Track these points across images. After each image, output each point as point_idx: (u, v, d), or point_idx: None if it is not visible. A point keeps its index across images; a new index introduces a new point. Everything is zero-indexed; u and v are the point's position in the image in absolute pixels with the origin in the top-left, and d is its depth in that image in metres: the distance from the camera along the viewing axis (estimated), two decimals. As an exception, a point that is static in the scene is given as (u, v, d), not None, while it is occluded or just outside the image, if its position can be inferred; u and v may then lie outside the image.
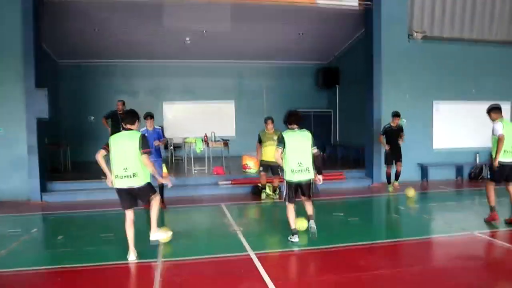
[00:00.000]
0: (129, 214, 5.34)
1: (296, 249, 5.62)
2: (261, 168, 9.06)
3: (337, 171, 11.17)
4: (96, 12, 11.12)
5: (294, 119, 5.95)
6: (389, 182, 9.98)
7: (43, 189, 9.60)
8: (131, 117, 5.45)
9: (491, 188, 6.72)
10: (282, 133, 5.88)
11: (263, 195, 9.19)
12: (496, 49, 12.14)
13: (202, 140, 10.80)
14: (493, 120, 6.74)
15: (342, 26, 12.67)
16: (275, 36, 13.28)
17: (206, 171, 11.06)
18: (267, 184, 9.45)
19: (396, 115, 9.69)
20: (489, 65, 12.04)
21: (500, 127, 6.59)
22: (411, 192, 9.01)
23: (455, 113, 11.80)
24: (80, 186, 10.00)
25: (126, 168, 5.12)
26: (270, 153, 8.61)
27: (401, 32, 11.42)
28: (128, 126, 5.38)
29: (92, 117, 14.39)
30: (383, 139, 9.82)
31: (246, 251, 5.52)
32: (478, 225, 6.67)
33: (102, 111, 10.45)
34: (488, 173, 7.61)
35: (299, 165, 5.69)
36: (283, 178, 5.97)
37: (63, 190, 9.93)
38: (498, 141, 6.55)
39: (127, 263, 5.14)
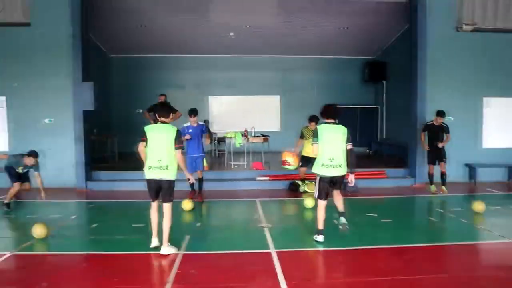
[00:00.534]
0: (155, 204, 5.48)
1: (318, 249, 5.51)
2: (300, 163, 8.93)
3: (378, 169, 10.81)
4: (143, 9, 11.48)
5: (330, 113, 5.75)
6: (431, 182, 9.47)
7: (89, 177, 10.09)
8: (165, 110, 5.54)
9: None
10: (317, 127, 5.77)
11: (302, 188, 9.17)
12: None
13: (242, 135, 10.84)
14: None
15: (389, 19, 12.23)
16: (318, 30, 13.07)
17: (245, 166, 11.09)
18: (306, 181, 9.38)
19: (439, 114, 9.16)
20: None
21: None
22: (479, 207, 7.38)
23: (509, 110, 11.02)
24: (123, 176, 10.38)
25: (160, 160, 5.24)
26: (310, 149, 8.56)
27: (448, 24, 10.82)
28: (162, 119, 5.47)
29: (140, 110, 14.84)
30: (424, 136, 9.37)
31: (268, 248, 5.50)
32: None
33: (150, 104, 10.76)
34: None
35: (331, 160, 5.49)
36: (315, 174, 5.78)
37: (107, 179, 10.39)
38: None
39: (149, 253, 5.28)
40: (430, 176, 9.48)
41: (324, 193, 5.65)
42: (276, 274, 4.58)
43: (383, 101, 14.90)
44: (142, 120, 14.41)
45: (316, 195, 5.75)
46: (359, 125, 15.33)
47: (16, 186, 7.69)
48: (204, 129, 8.44)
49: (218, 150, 14.29)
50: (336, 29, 12.98)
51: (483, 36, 11.07)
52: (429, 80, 10.64)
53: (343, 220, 5.75)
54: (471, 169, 10.86)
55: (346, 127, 5.69)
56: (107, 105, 14.72)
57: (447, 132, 9.27)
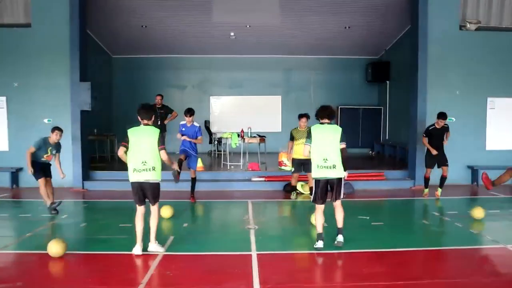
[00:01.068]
0: (140, 209, 5.41)
1: (301, 252, 5.41)
2: (293, 169, 8.77)
3: (377, 171, 10.63)
4: (143, 9, 11.53)
5: (325, 113, 5.56)
6: (426, 185, 9.05)
7: (86, 177, 10.12)
8: (146, 112, 5.49)
9: None
10: (311, 127, 5.64)
11: (293, 196, 8.96)
12: None
13: (238, 135, 10.77)
14: None
15: (391, 18, 12.06)
16: (320, 30, 12.94)
17: (241, 167, 11.02)
18: (301, 183, 9.28)
19: (441, 116, 8.58)
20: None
21: None
22: (478, 213, 6.97)
23: (513, 111, 10.77)
24: (121, 176, 10.22)
25: (145, 162, 5.22)
26: (301, 150, 8.41)
27: (451, 22, 10.59)
28: (145, 121, 5.45)
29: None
30: (426, 141, 8.78)
31: (250, 250, 5.41)
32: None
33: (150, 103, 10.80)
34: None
35: (325, 161, 5.32)
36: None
37: (105, 178, 10.42)
38: None
39: (130, 253, 5.22)
40: (426, 179, 9.03)
41: (320, 198, 5.48)
42: (251, 277, 4.48)
43: (387, 102, 14.67)
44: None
45: (312, 199, 5.62)
46: (362, 126, 15.14)
47: (41, 182, 7.36)
48: (198, 131, 8.42)
49: (219, 151, 14.26)
50: (338, 28, 12.83)
51: (488, 35, 10.84)
52: (431, 80, 10.45)
53: (340, 238, 5.49)
54: (474, 171, 10.62)
55: (339, 127, 5.52)
56: (110, 105, 14.80)
57: (448, 130, 8.79)
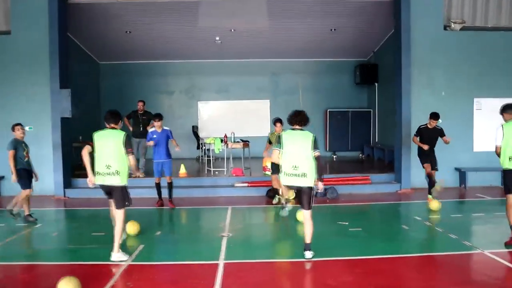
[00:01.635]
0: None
1: (270, 260, 5.25)
2: (271, 171, 8.66)
3: (362, 175, 10.48)
4: (126, 14, 11.40)
5: (297, 119, 5.34)
6: (433, 183, 8.33)
7: (67, 185, 9.98)
8: (113, 117, 5.49)
9: (510, 202, 5.74)
10: (281, 133, 5.46)
11: (275, 200, 8.82)
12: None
13: (221, 141, 10.64)
14: (506, 121, 5.88)
15: (377, 20, 11.88)
16: (306, 33, 12.79)
17: (225, 172, 10.88)
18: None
19: (433, 116, 8.35)
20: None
21: (498, 134, 5.76)
22: (434, 205, 7.77)
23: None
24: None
25: (109, 166, 5.21)
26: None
27: (436, 22, 10.46)
28: (112, 125, 5.45)
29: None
30: (417, 140, 8.48)
31: (218, 259, 5.26)
32: (495, 243, 5.77)
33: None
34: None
35: (294, 169, 5.13)
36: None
37: (87, 186, 10.23)
38: (495, 151, 5.83)
39: (94, 263, 5.15)
40: (429, 176, 8.35)
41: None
42: (213, 287, 4.36)
43: (375, 104, 14.52)
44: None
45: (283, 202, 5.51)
46: (351, 129, 14.96)
47: (27, 193, 7.12)
48: (170, 134, 8.35)
49: (207, 156, 14.12)
50: (323, 31, 12.69)
51: (474, 34, 10.72)
52: (416, 81, 10.34)
53: (308, 255, 5.18)
54: (461, 173, 10.46)
55: (313, 133, 5.28)
56: (97, 112, 14.68)
57: (444, 135, 8.45)
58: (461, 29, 10.64)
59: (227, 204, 8.75)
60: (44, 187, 9.89)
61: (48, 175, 9.95)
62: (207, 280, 4.58)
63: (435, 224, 6.98)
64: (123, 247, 5.48)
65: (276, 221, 7.68)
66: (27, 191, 7.15)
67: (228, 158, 11.20)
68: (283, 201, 5.33)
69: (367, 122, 14.90)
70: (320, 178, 5.22)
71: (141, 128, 10.35)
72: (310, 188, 5.19)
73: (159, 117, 8.25)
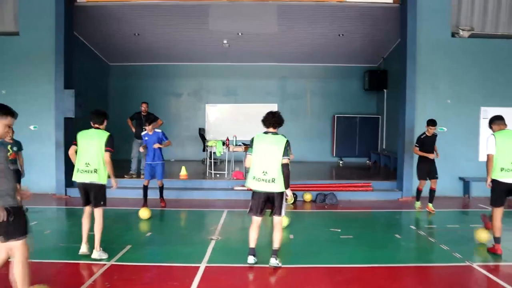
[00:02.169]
0: (87, 209, 5.53)
1: (252, 265, 5.19)
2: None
3: (364, 181, 10.33)
4: (133, 17, 11.53)
5: (271, 121, 5.16)
6: (418, 198, 8.69)
7: (69, 184, 10.09)
8: (98, 117, 5.59)
9: (497, 214, 5.63)
10: (254, 136, 5.27)
11: None
12: None
13: (223, 144, 10.63)
14: (493, 133, 5.73)
15: (386, 26, 11.72)
16: (314, 38, 12.73)
17: (226, 175, 10.86)
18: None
19: (430, 123, 8.25)
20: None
21: (490, 143, 5.60)
22: (483, 236, 6.17)
23: (508, 121, 10.27)
24: (108, 183, 10.35)
25: (88, 163, 5.30)
26: None
27: (443, 29, 10.26)
28: (96, 125, 5.54)
29: None
30: (418, 151, 8.33)
31: (200, 262, 5.25)
32: (487, 256, 5.66)
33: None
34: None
35: (264, 174, 4.97)
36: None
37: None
38: (487, 161, 5.63)
39: (77, 262, 5.22)
40: (419, 192, 8.62)
41: (256, 209, 5.12)
42: (188, 290, 4.36)
43: (384, 111, 14.33)
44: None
45: (248, 210, 5.25)
46: (359, 135, 14.81)
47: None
48: (162, 136, 8.39)
49: (215, 159, 14.14)
50: (332, 36, 12.60)
51: (482, 42, 10.49)
52: (422, 89, 10.16)
53: (273, 262, 5.03)
54: (466, 183, 10.23)
55: (286, 138, 5.12)
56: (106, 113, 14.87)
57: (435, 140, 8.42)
58: (469, 36, 10.44)
59: (224, 207, 8.74)
60: (47, 185, 10.10)
61: (51, 174, 10.14)
62: (184, 282, 4.57)
63: (429, 234, 6.82)
64: (111, 246, 5.55)
65: (268, 226, 7.61)
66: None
67: (229, 161, 11.19)
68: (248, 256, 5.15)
69: (375, 128, 14.73)
70: (288, 185, 5.05)
71: (144, 130, 10.40)
72: (282, 194, 5.07)
73: (148, 121, 8.43)
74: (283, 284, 4.78)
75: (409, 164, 9.77)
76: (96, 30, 12.17)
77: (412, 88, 9.89)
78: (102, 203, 5.43)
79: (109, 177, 5.53)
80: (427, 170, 8.30)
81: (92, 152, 5.31)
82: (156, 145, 8.23)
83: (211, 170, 11.06)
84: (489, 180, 5.67)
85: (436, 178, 8.34)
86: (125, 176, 10.55)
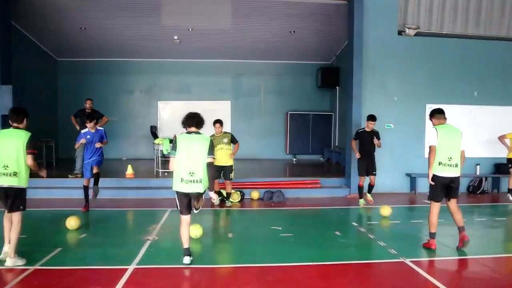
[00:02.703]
0: (6, 215, 5.19)
1: (182, 266, 5.04)
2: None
3: (313, 178, 10.35)
4: (78, 10, 11.14)
5: (193, 121, 5.17)
6: (360, 195, 8.83)
7: (10, 185, 9.62)
8: (17, 115, 5.23)
9: (434, 209, 5.74)
10: (177, 136, 5.22)
11: (228, 203, 8.72)
12: (505, 47, 10.81)
13: (170, 141, 10.41)
14: (434, 126, 5.82)
15: (337, 23, 11.80)
16: (265, 34, 12.70)
17: (174, 174, 10.62)
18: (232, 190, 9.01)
19: (370, 118, 8.54)
20: (496, 65, 10.74)
21: (434, 136, 5.67)
22: (385, 211, 7.71)
23: (453, 118, 10.49)
24: (45, 183, 9.91)
25: (7, 166, 4.94)
26: (220, 155, 8.30)
27: (390, 27, 10.39)
28: (15, 124, 5.19)
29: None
30: (355, 144, 8.75)
31: (130, 264, 5.05)
32: (423, 251, 5.74)
33: (97, 108, 10.37)
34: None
35: (191, 175, 4.93)
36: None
37: (33, 187, 9.86)
38: (429, 152, 5.68)
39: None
40: (360, 188, 8.78)
41: (184, 209, 5.09)
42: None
43: (336, 108, 14.46)
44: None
45: (178, 210, 5.18)
46: (312, 132, 14.89)
47: None
48: (104, 135, 8.11)
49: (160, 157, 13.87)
50: (283, 33, 12.59)
51: (428, 40, 10.70)
52: (369, 86, 10.28)
53: (186, 260, 5.00)
54: (412, 179, 10.43)
55: (208, 137, 5.14)
56: (53, 110, 14.32)
57: (378, 138, 8.62)
58: (415, 35, 10.63)
59: (168, 206, 8.46)
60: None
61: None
62: (108, 286, 4.38)
63: (369, 230, 6.86)
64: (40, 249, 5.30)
65: (209, 225, 7.52)
66: None
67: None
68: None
69: (328, 125, 14.85)
70: (212, 186, 5.13)
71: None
72: (201, 194, 5.08)
73: (89, 118, 8.10)
74: (209, 285, 4.66)
75: (355, 161, 9.83)
76: (40, 23, 11.69)
77: (359, 85, 9.99)
78: (21, 207, 5.10)
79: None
80: (366, 166, 8.53)
81: (10, 153, 4.96)
82: (98, 144, 7.93)
83: (159, 169, 10.81)
84: (430, 175, 5.72)
85: (374, 174, 8.60)
86: (69, 175, 10.18)
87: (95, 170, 7.97)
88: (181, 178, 4.98)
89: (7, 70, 9.66)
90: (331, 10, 11.25)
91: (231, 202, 8.88)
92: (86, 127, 10.04)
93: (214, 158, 5.14)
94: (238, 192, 9.19)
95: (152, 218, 7.72)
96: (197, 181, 4.94)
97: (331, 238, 6.47)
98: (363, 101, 10.13)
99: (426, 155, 10.38)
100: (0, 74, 9.42)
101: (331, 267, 5.14)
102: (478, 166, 10.68)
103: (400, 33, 10.61)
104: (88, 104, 10.27)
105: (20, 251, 5.10)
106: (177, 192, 5.08)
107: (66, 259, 5.30)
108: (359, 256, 5.61)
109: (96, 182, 8.01)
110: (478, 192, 10.45)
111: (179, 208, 5.14)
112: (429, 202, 5.92)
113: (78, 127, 10.32)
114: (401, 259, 5.34)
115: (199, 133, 5.16)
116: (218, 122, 8.47)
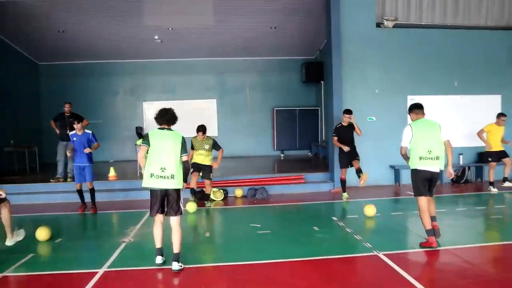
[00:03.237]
0: None
1: (151, 267, 4.99)
2: (191, 170, 8.41)
3: (297, 174, 10.31)
4: (56, 13, 11.03)
5: (164, 118, 5.05)
6: (343, 189, 8.85)
7: (-9, 191, 9.55)
8: None
9: (421, 203, 5.60)
10: (149, 132, 5.12)
11: (208, 202, 8.66)
12: (484, 36, 10.78)
13: (140, 136, 10.36)
14: (413, 121, 5.80)
15: (319, 18, 11.72)
16: (247, 31, 12.63)
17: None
18: (214, 189, 8.98)
19: (345, 112, 8.60)
20: (476, 54, 10.73)
21: (407, 134, 5.68)
22: (370, 211, 7.19)
23: (435, 109, 10.47)
24: (32, 188, 9.89)
25: None
26: (197, 159, 8.32)
27: (368, 19, 10.37)
28: None
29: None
30: (336, 141, 8.66)
31: (101, 266, 5.00)
32: (399, 244, 5.72)
33: (82, 112, 10.29)
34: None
35: (163, 170, 4.84)
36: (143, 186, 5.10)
37: (14, 192, 9.79)
38: (400, 151, 5.67)
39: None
40: (343, 182, 8.80)
41: (157, 209, 4.99)
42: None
43: (322, 102, 14.43)
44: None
45: (149, 212, 5.10)
46: (299, 127, 14.86)
47: None
48: (92, 138, 8.02)
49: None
50: (265, 29, 12.53)
51: (407, 32, 10.67)
52: (350, 79, 10.26)
53: (175, 266, 4.82)
54: (396, 171, 10.42)
55: (180, 134, 5.03)
56: (36, 115, 14.20)
57: (353, 127, 8.60)
58: (394, 26, 10.60)
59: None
60: None
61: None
62: (76, 290, 4.35)
63: (348, 225, 6.82)
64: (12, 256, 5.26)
65: (188, 225, 7.46)
66: None
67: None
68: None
69: (314, 120, 14.82)
70: (185, 181, 5.04)
71: (68, 130, 9.98)
72: (178, 191, 4.94)
73: (77, 119, 8.03)
74: (177, 285, 4.62)
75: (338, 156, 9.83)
76: (18, 27, 11.57)
77: (338, 79, 9.96)
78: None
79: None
80: (348, 158, 8.54)
81: None
82: (87, 150, 7.87)
83: (141, 170, 10.72)
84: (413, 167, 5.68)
85: (357, 159, 8.56)
86: (51, 180, 10.11)
87: (89, 186, 8.01)
88: (151, 174, 4.90)
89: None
90: (312, 5, 11.20)
91: (212, 200, 8.84)
92: (66, 131, 10.12)
93: (188, 156, 5.07)
94: (221, 191, 9.16)
95: (132, 219, 7.63)
96: (168, 177, 4.85)
97: (308, 233, 6.41)
98: (344, 95, 10.11)
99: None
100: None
101: (303, 263, 5.09)
102: (461, 156, 10.67)
103: (379, 25, 10.57)
104: (67, 108, 10.20)
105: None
106: (150, 191, 5.00)
107: (36, 265, 5.23)
108: (333, 251, 5.54)
109: (93, 199, 8.10)
110: (461, 182, 10.45)
111: (150, 208, 5.03)
112: (415, 197, 5.80)
113: (58, 131, 10.27)
114: (374, 253, 5.30)
115: (171, 129, 5.07)
116: (201, 130, 8.18)
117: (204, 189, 8.69)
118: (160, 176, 4.87)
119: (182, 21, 11.87)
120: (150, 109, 15.09)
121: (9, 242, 5.33)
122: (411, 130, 5.63)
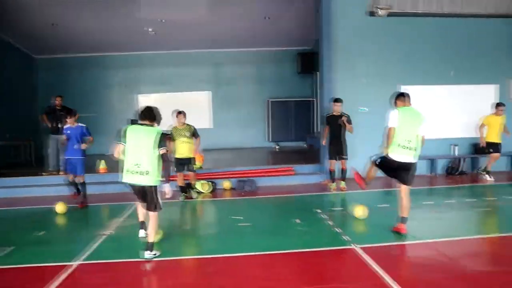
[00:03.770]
0: None
1: (127, 260, 4.99)
2: (175, 169, 8.35)
3: (286, 166, 10.25)
4: (48, 6, 10.98)
5: (146, 115, 5.10)
6: (332, 179, 8.81)
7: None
8: None
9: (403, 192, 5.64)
10: (126, 128, 5.15)
11: (194, 195, 8.63)
12: (481, 24, 10.57)
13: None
14: (396, 107, 5.72)
15: (309, 7, 11.58)
16: (240, 21, 12.49)
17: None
18: (201, 182, 8.97)
19: (335, 101, 8.49)
20: (473, 43, 10.53)
21: (394, 116, 5.54)
22: (359, 212, 6.62)
23: (428, 99, 10.37)
24: (25, 182, 9.94)
25: None
26: (182, 149, 8.26)
27: (361, 8, 10.21)
28: None
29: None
30: (326, 130, 8.64)
31: (76, 259, 5.01)
32: (377, 237, 5.65)
33: (77, 105, 10.29)
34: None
35: (137, 166, 4.85)
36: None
37: (11, 186, 9.88)
38: (388, 133, 5.58)
39: None
40: (331, 173, 8.77)
41: (138, 200, 5.13)
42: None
43: (317, 93, 14.30)
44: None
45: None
46: (294, 119, 14.76)
47: None
48: (85, 131, 8.01)
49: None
50: (259, 19, 12.39)
51: (401, 21, 10.50)
52: (341, 69, 10.15)
53: (146, 255, 4.90)
54: (387, 162, 10.30)
55: (156, 129, 5.02)
56: (33, 108, 14.25)
57: (349, 122, 8.47)
58: (389, 15, 10.42)
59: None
60: None
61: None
62: (38, 284, 4.33)
63: (330, 217, 6.76)
64: None
65: (170, 217, 7.43)
66: None
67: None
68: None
69: (309, 111, 14.71)
70: (166, 178, 5.01)
71: (59, 124, 10.02)
72: (154, 187, 4.93)
73: (69, 113, 8.04)
74: (148, 277, 4.63)
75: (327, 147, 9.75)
76: (13, 22, 11.57)
77: (329, 69, 9.87)
78: None
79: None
80: (336, 150, 8.47)
81: None
82: (83, 146, 7.90)
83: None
84: (385, 152, 5.63)
85: (345, 159, 8.48)
86: (43, 173, 10.16)
87: (80, 180, 8.00)
88: (127, 169, 4.93)
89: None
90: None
91: (199, 192, 8.83)
92: (58, 124, 10.14)
93: (167, 150, 5.02)
94: (209, 183, 9.14)
95: (117, 212, 7.66)
96: (142, 172, 4.85)
97: (289, 226, 6.37)
98: (336, 85, 9.99)
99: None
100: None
101: (277, 256, 5.06)
102: (456, 147, 10.52)
103: (372, 14, 10.41)
104: (57, 101, 10.22)
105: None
106: (131, 185, 5.03)
107: (12, 259, 5.23)
108: (310, 244, 5.48)
109: (83, 194, 8.08)
110: (456, 173, 10.32)
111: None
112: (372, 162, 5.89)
113: (49, 125, 10.28)
114: (351, 246, 5.25)
115: (150, 125, 5.07)
116: (181, 113, 8.31)
117: (190, 182, 8.67)
118: (135, 172, 4.89)
119: (175, 13, 11.76)
120: (146, 101, 15.07)
121: None
122: (398, 115, 5.52)
